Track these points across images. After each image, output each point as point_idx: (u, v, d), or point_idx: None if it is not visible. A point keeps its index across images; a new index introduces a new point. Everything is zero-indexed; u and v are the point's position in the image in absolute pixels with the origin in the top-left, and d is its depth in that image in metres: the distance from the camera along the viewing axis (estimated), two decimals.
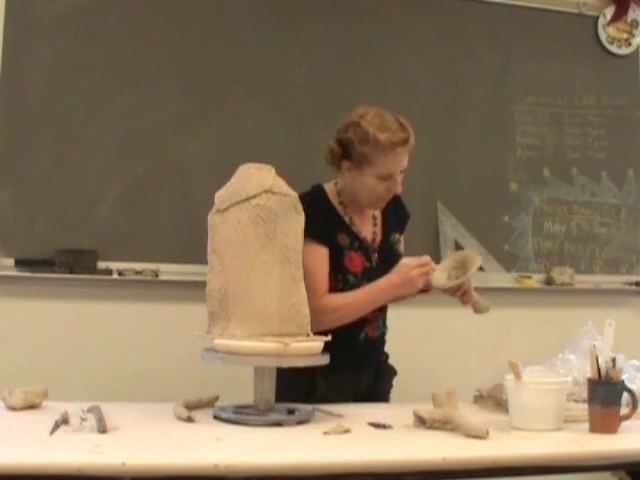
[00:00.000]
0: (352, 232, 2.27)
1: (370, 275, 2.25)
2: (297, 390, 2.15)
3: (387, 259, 2.32)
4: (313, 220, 2.13)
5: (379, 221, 2.36)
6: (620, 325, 2.04)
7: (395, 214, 2.40)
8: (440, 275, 2.26)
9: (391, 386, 2.42)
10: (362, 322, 2.25)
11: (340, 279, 2.22)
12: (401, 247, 2.42)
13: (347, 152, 2.21)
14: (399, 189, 2.23)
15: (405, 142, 2.17)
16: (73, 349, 2.93)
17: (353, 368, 2.27)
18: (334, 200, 2.29)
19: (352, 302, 2.18)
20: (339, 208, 2.29)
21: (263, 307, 1.91)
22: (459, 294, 2.24)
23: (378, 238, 2.33)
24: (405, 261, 2.20)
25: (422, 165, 3.16)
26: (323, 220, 2.22)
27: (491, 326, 3.34)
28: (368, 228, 2.33)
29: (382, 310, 2.33)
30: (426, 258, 2.18)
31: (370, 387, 2.34)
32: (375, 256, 2.30)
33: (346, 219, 2.28)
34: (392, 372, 2.43)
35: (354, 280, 2.23)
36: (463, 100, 3.42)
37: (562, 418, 1.85)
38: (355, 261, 2.24)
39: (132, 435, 1.67)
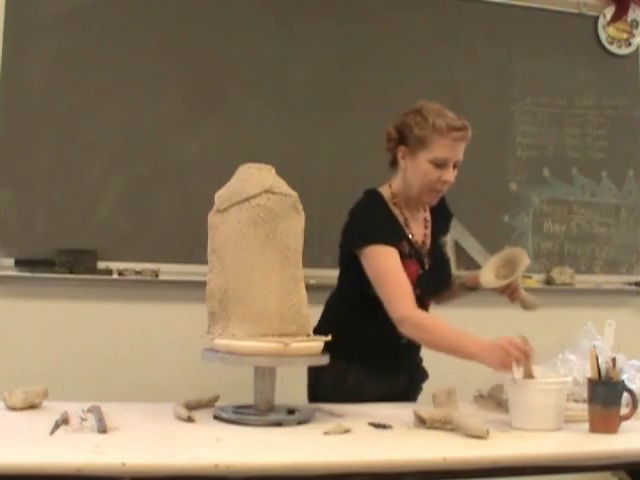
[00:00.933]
0: (409, 239, 2.26)
1: (422, 281, 2.22)
2: (327, 381, 2.22)
3: (436, 263, 2.31)
4: (378, 226, 2.17)
5: (429, 224, 2.34)
6: (620, 325, 2.04)
7: (441, 215, 2.37)
8: (488, 273, 2.27)
9: (421, 389, 2.41)
10: None
11: None
12: (448, 248, 2.41)
13: (404, 137, 2.21)
14: (452, 178, 2.20)
15: (462, 128, 2.18)
16: (73, 349, 2.93)
17: (391, 368, 2.28)
18: (390, 203, 2.27)
19: (438, 332, 2.05)
20: (395, 211, 2.27)
21: (263, 307, 1.91)
22: (508, 292, 2.24)
23: (428, 241, 2.32)
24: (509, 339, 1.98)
25: None
26: (388, 225, 2.21)
27: (491, 326, 3.33)
28: (420, 230, 2.31)
29: None
30: (529, 348, 1.93)
31: (405, 389, 2.33)
32: (427, 260, 2.29)
33: (401, 221, 2.26)
34: (425, 376, 2.42)
35: None
36: (463, 100, 3.41)
37: (562, 418, 1.85)
38: (410, 269, 2.20)
39: (132, 435, 1.67)
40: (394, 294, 2.10)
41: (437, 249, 2.34)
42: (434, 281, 2.29)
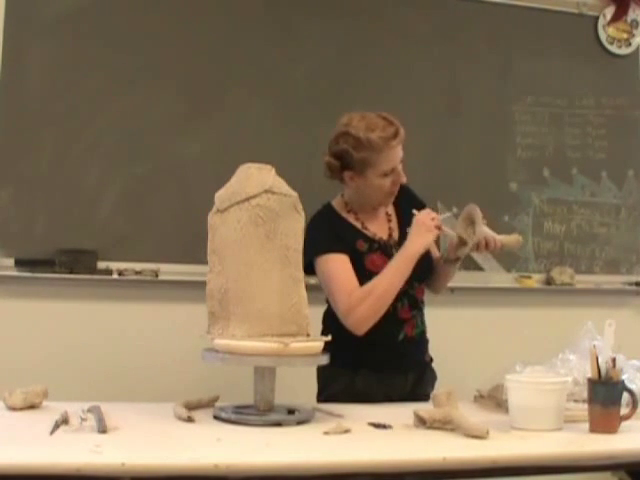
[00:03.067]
0: (368, 237, 2.30)
1: None
2: (336, 389, 2.25)
3: None
4: (327, 237, 2.23)
5: (393, 216, 2.38)
6: (620, 325, 2.04)
7: (409, 206, 2.36)
8: (458, 239, 2.28)
9: (432, 389, 2.38)
10: (400, 322, 2.27)
11: (365, 282, 2.22)
12: None
13: (346, 162, 2.24)
14: (403, 179, 2.27)
15: (396, 134, 2.20)
16: (73, 349, 2.93)
17: (395, 368, 2.29)
18: (343, 212, 2.33)
19: (379, 280, 2.17)
20: (350, 218, 2.32)
21: (263, 307, 1.91)
22: (482, 248, 2.26)
23: (395, 233, 2.35)
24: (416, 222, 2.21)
25: (422, 165, 3.16)
26: (337, 234, 2.26)
27: (491, 326, 3.35)
28: (383, 226, 2.35)
29: (419, 308, 2.35)
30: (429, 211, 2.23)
31: (413, 388, 2.33)
32: (395, 250, 2.29)
33: (358, 226, 2.31)
34: (434, 377, 2.42)
35: None
36: (463, 100, 3.42)
37: (562, 418, 1.85)
38: (376, 261, 2.25)
39: (132, 435, 1.67)
40: (335, 296, 2.20)
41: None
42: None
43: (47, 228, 2.92)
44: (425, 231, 2.17)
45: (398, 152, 2.23)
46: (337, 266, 2.21)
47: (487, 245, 2.25)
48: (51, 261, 2.88)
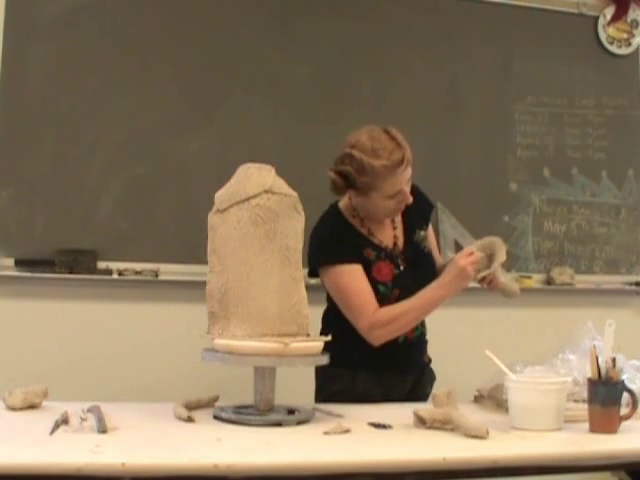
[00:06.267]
0: (375, 244, 2.27)
1: (400, 281, 2.24)
2: (335, 390, 2.24)
3: (414, 260, 2.31)
4: (339, 245, 2.20)
5: (399, 223, 2.34)
6: (620, 325, 2.04)
7: (416, 210, 2.33)
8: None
9: (431, 390, 2.38)
10: None
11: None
12: (431, 240, 2.41)
13: (349, 182, 2.19)
14: (409, 200, 2.21)
15: (402, 162, 2.13)
16: (73, 349, 2.93)
17: (395, 370, 2.28)
18: (350, 216, 2.29)
19: (406, 311, 2.17)
20: (356, 223, 2.28)
21: (263, 307, 1.91)
22: (485, 282, 2.25)
23: (400, 241, 2.31)
24: (453, 257, 2.21)
25: (422, 165, 3.14)
26: (348, 242, 2.23)
27: (491, 326, 3.35)
28: (388, 234, 2.31)
29: None
30: (469, 248, 2.19)
31: (412, 389, 2.33)
32: (401, 260, 2.29)
33: (364, 232, 2.28)
34: (433, 377, 2.42)
35: (385, 289, 2.22)
36: (463, 100, 3.42)
37: (562, 418, 1.85)
38: (383, 270, 2.23)
39: (132, 435, 1.67)
40: (355, 311, 2.17)
41: (413, 246, 2.33)
42: (416, 277, 2.26)
43: (47, 228, 2.92)
44: (463, 277, 2.14)
45: (404, 176, 2.16)
46: (355, 281, 2.18)
47: (490, 282, 2.25)
48: (51, 261, 2.88)
